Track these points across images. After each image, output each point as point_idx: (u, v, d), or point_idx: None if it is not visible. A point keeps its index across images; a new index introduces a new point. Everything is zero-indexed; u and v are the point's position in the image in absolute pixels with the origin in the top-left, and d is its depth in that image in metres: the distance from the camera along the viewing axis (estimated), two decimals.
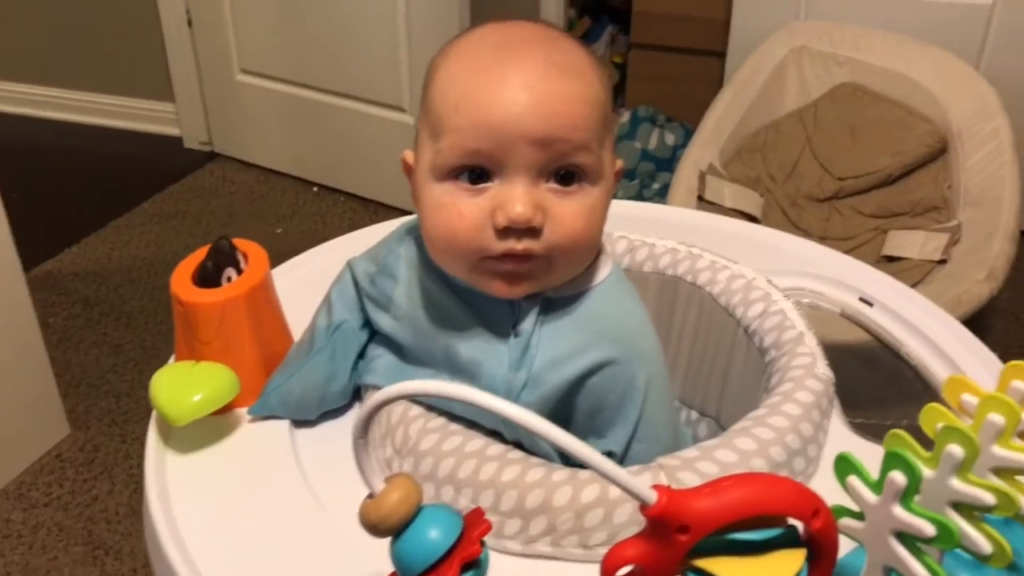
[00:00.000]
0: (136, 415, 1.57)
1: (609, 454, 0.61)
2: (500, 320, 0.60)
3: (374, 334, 0.66)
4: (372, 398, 0.41)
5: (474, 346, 0.60)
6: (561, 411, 0.60)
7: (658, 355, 0.63)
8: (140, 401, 1.60)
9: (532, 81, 0.54)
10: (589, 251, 0.59)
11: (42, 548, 1.33)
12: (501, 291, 0.58)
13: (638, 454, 0.61)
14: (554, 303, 0.60)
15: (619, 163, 0.62)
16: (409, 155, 0.62)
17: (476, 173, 0.55)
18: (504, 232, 0.55)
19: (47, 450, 1.49)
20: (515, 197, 0.54)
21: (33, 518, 1.38)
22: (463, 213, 0.56)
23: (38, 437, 1.49)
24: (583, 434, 0.62)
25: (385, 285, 0.64)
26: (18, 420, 1.44)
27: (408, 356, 0.64)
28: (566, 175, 0.56)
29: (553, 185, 0.56)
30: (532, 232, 0.55)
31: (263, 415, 0.66)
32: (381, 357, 0.65)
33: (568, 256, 0.57)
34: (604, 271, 0.62)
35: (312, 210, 2.22)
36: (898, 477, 0.43)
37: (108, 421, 1.56)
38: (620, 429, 0.61)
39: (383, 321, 0.64)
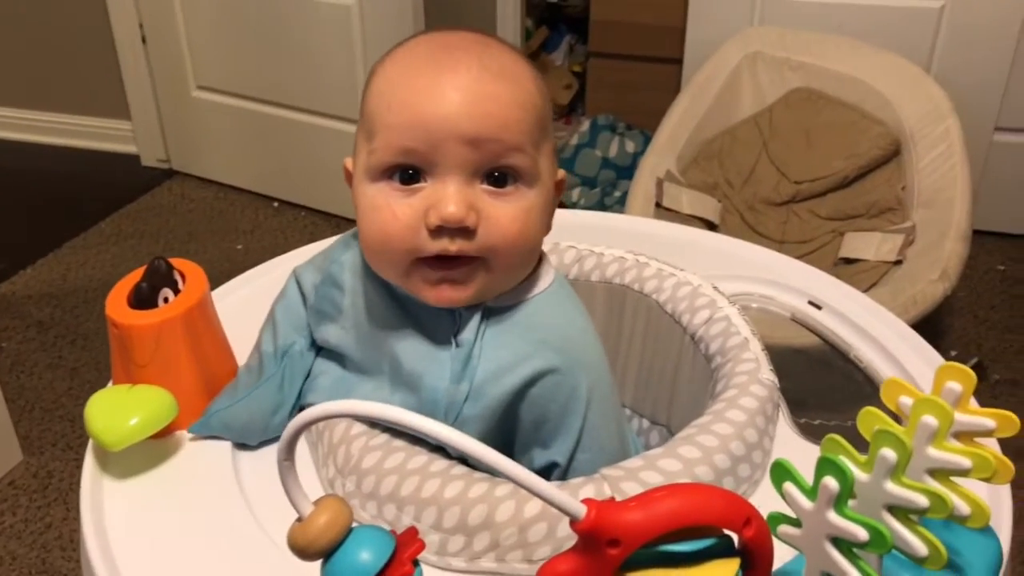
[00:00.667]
0: None
1: (553, 465, 0.61)
2: (441, 330, 0.59)
3: (319, 351, 0.65)
4: (295, 419, 0.41)
5: (416, 357, 0.60)
6: (505, 422, 0.60)
7: (601, 364, 0.62)
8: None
9: (464, 82, 0.55)
10: (527, 255, 0.59)
11: None
12: (435, 299, 0.57)
13: (583, 464, 0.61)
14: (495, 312, 0.60)
15: (561, 173, 0.62)
16: (348, 162, 0.62)
17: (409, 173, 0.55)
18: (437, 232, 0.54)
19: None
20: (447, 196, 0.54)
21: None
22: (396, 214, 0.55)
23: None
24: (528, 445, 0.61)
25: (331, 294, 0.63)
26: None
27: (353, 367, 0.63)
28: (500, 176, 0.55)
29: (487, 187, 0.55)
30: (465, 232, 0.54)
31: (201, 434, 0.65)
32: (324, 375, 0.64)
33: (505, 259, 0.56)
34: (546, 280, 0.62)
35: (273, 225, 2.20)
36: (831, 483, 0.42)
37: (63, 446, 1.53)
38: (564, 439, 0.60)
39: (329, 333, 0.63)
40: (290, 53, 2.09)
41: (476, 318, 0.59)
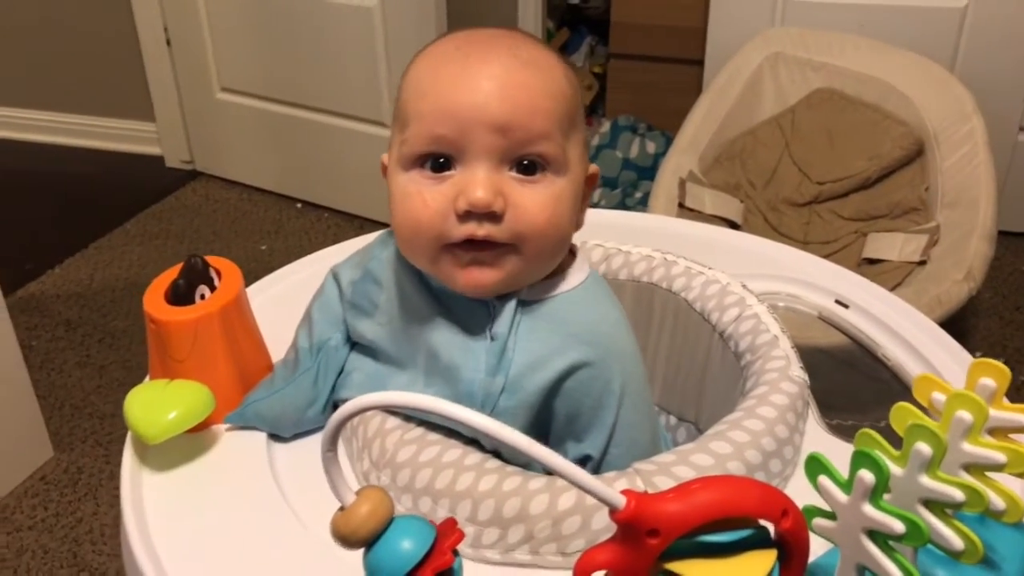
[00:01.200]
0: (120, 436, 1.55)
1: (586, 458, 0.61)
2: (476, 323, 0.60)
3: (354, 347, 0.66)
4: (338, 412, 0.42)
5: (452, 350, 0.60)
6: (540, 415, 0.60)
7: (635, 359, 0.63)
8: (124, 422, 1.59)
9: (494, 71, 0.56)
10: (556, 243, 0.59)
11: (27, 572, 1.32)
12: (464, 281, 0.57)
13: (616, 459, 0.61)
14: (529, 305, 0.60)
15: (593, 167, 0.62)
16: (385, 157, 0.63)
17: (439, 161, 0.56)
18: (465, 216, 0.55)
19: (31, 472, 1.48)
20: (476, 182, 0.55)
21: (18, 541, 1.36)
22: (427, 201, 0.56)
23: (22, 460, 1.47)
24: (562, 439, 0.62)
25: (369, 290, 0.64)
26: (1, 443, 1.43)
27: (387, 362, 0.64)
28: (528, 164, 0.56)
29: (515, 174, 0.56)
30: (493, 217, 0.55)
31: (238, 425, 0.66)
32: (358, 371, 0.65)
33: (533, 245, 0.57)
34: (580, 275, 0.62)
35: (296, 226, 2.21)
36: (866, 475, 0.43)
37: (92, 442, 1.55)
38: (597, 433, 0.61)
39: (365, 328, 0.64)
40: (313, 55, 2.11)
41: (510, 311, 0.59)
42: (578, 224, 0.62)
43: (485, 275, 0.57)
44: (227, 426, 0.66)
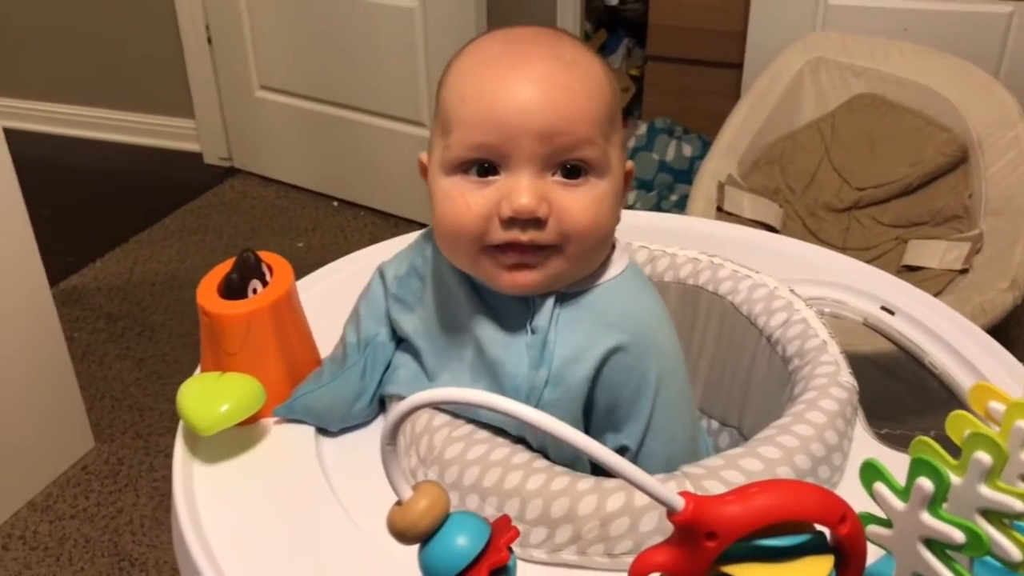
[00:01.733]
0: (159, 428, 1.58)
1: (623, 449, 0.61)
2: (517, 317, 0.61)
3: (400, 343, 0.67)
4: (400, 405, 0.42)
5: (495, 345, 0.61)
6: (584, 408, 0.60)
7: (674, 353, 0.62)
8: (163, 414, 1.61)
9: (536, 75, 0.56)
10: (599, 243, 0.59)
11: (68, 560, 1.34)
12: (508, 283, 0.58)
13: (653, 452, 0.61)
14: (568, 298, 0.60)
15: (630, 164, 0.63)
16: (424, 156, 0.63)
17: (483, 167, 0.57)
18: (509, 223, 0.56)
19: (73, 462, 1.51)
20: (520, 188, 0.55)
21: (60, 530, 1.39)
22: (470, 205, 0.57)
23: (64, 449, 1.50)
24: (601, 431, 0.62)
25: (413, 286, 0.65)
26: (45, 433, 1.46)
27: (431, 358, 0.64)
28: (572, 169, 0.56)
29: (559, 178, 0.56)
30: (537, 223, 0.56)
31: (287, 418, 0.67)
32: (404, 367, 0.66)
33: (577, 246, 0.57)
34: (619, 266, 0.62)
35: (332, 224, 2.23)
36: (926, 484, 0.43)
37: (132, 434, 1.57)
38: (634, 424, 0.60)
39: (409, 323, 0.65)
40: (352, 55, 2.12)
41: (550, 304, 0.60)
42: (617, 219, 0.62)
43: (528, 277, 0.57)
44: (276, 420, 0.67)
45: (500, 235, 0.56)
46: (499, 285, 0.58)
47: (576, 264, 0.59)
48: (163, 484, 1.46)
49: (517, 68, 0.56)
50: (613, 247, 0.63)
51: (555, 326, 0.60)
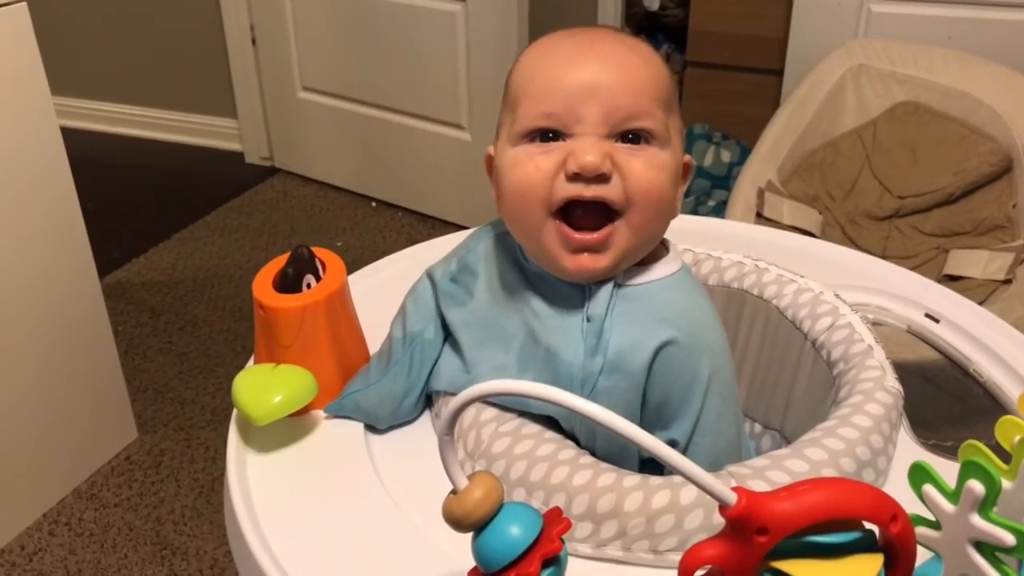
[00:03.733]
0: (200, 421, 1.61)
1: (672, 443, 0.62)
2: (573, 306, 0.62)
3: (447, 339, 0.68)
4: (459, 396, 0.43)
5: (549, 334, 0.62)
6: (635, 399, 0.61)
7: (724, 352, 0.63)
8: (204, 407, 1.64)
9: (600, 54, 0.59)
10: (660, 211, 0.60)
11: (112, 547, 1.37)
12: (574, 266, 0.59)
13: (701, 448, 0.62)
14: (623, 290, 0.62)
15: (688, 157, 0.64)
16: (491, 148, 0.65)
17: (548, 135, 0.59)
18: (574, 178, 0.57)
19: (117, 452, 1.54)
20: (585, 147, 0.57)
21: (104, 517, 1.42)
22: (539, 165, 0.59)
23: (109, 440, 1.54)
24: (651, 427, 0.62)
25: (466, 281, 0.66)
26: (91, 423, 1.49)
27: (481, 349, 0.65)
28: (633, 136, 0.59)
29: (622, 144, 0.59)
30: (601, 179, 0.57)
31: (336, 414, 0.68)
32: (449, 362, 0.67)
33: (640, 212, 0.58)
34: (673, 266, 0.64)
35: (371, 224, 2.26)
36: (976, 486, 0.43)
37: (174, 426, 1.61)
38: (683, 420, 0.61)
39: (457, 317, 0.66)
40: (395, 57, 2.15)
41: (606, 294, 0.61)
42: (675, 210, 0.63)
43: (595, 261, 0.59)
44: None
45: (565, 190, 0.58)
46: (563, 268, 0.60)
47: (639, 237, 0.59)
48: (203, 476, 1.49)
49: (582, 49, 0.60)
50: (667, 248, 0.64)
51: (611, 316, 0.61)
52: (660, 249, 0.64)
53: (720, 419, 0.62)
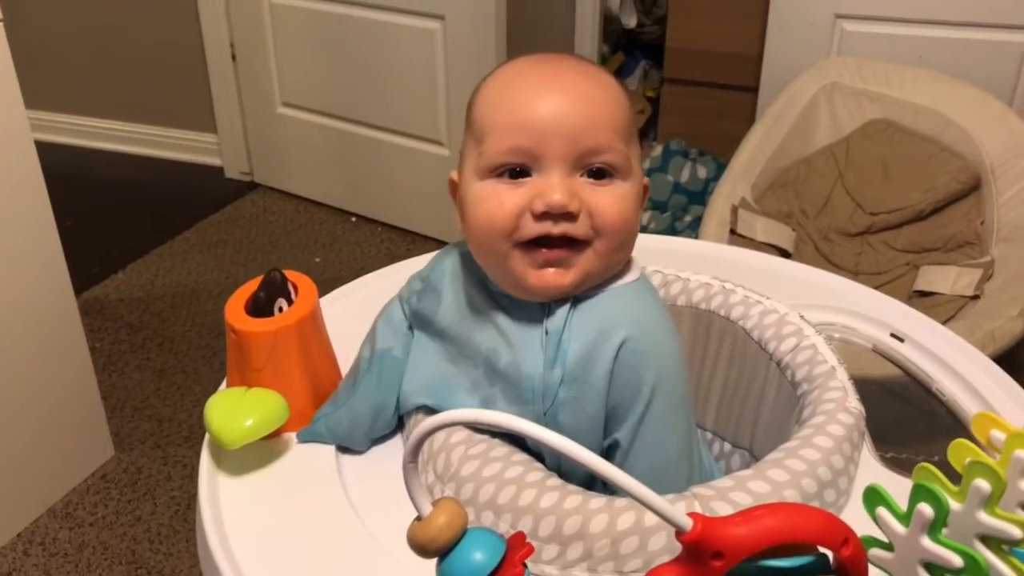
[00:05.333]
0: (178, 438, 1.61)
1: (615, 444, 0.62)
2: (533, 321, 0.63)
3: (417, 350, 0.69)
4: (420, 426, 0.44)
5: (511, 349, 0.63)
6: (596, 407, 0.62)
7: (675, 360, 0.63)
8: (182, 424, 1.64)
9: (564, 85, 0.60)
10: (626, 242, 0.62)
11: (88, 566, 1.36)
12: (538, 282, 0.60)
13: (641, 453, 0.62)
14: (581, 300, 0.63)
15: (645, 180, 0.65)
16: (454, 173, 0.66)
17: (515, 171, 0.60)
18: (541, 217, 0.59)
19: (93, 471, 1.53)
20: (552, 186, 0.58)
21: (79, 536, 1.41)
22: (503, 202, 0.60)
23: (85, 458, 1.53)
24: (605, 432, 0.63)
25: (432, 300, 0.67)
26: (67, 440, 1.49)
27: (451, 365, 0.66)
28: (598, 171, 0.60)
29: (587, 179, 0.60)
30: (569, 217, 0.58)
31: (309, 441, 0.69)
32: (420, 371, 0.67)
33: (607, 241, 0.60)
34: (632, 275, 0.65)
35: (350, 240, 2.26)
36: (926, 509, 0.44)
37: (151, 444, 1.60)
38: (627, 423, 0.62)
39: (428, 333, 0.67)
40: (374, 74, 2.16)
41: (565, 307, 0.62)
42: (636, 229, 0.64)
43: (560, 277, 0.60)
44: (296, 434, 0.69)
45: (532, 228, 0.59)
46: (527, 284, 0.60)
47: (605, 262, 0.61)
48: (180, 494, 1.48)
49: (546, 79, 0.61)
50: (629, 260, 0.66)
51: (568, 327, 0.62)
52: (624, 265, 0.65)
53: (665, 428, 0.62)
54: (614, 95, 0.62)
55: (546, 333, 0.62)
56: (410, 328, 0.69)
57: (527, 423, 0.42)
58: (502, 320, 0.64)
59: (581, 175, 0.60)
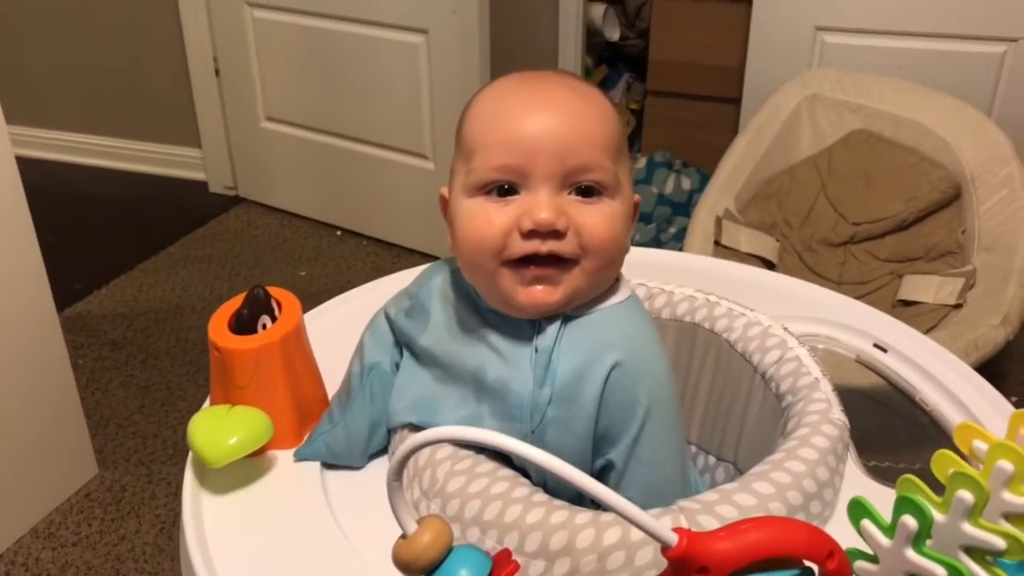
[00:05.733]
0: (163, 456, 1.59)
1: (609, 465, 0.62)
2: (522, 339, 0.63)
3: (404, 365, 0.69)
4: (404, 444, 0.44)
5: (500, 366, 0.63)
6: (584, 426, 0.61)
7: (666, 380, 0.63)
8: (166, 441, 1.63)
9: (554, 103, 0.60)
10: (615, 257, 0.62)
11: None
12: (526, 299, 0.60)
13: (638, 477, 0.62)
14: (571, 319, 0.63)
15: (637, 197, 0.65)
16: (444, 190, 0.66)
17: (503, 188, 0.60)
18: (529, 235, 0.58)
19: (76, 489, 1.52)
20: (540, 203, 0.58)
21: (62, 557, 1.40)
22: (492, 220, 0.59)
23: (68, 477, 1.51)
24: (597, 451, 0.63)
25: (421, 317, 0.67)
26: (49, 460, 1.47)
27: (439, 381, 0.66)
28: (587, 188, 0.60)
29: (575, 197, 0.60)
30: (557, 235, 0.58)
31: (308, 459, 0.68)
32: (409, 388, 0.67)
33: (595, 259, 0.60)
34: (622, 294, 0.65)
35: (335, 253, 2.26)
36: (910, 521, 0.44)
37: (135, 461, 1.59)
38: (622, 443, 0.62)
39: (416, 352, 0.67)
40: (358, 88, 2.16)
41: (555, 326, 0.62)
42: (628, 245, 0.64)
43: (547, 295, 0.60)
44: (282, 452, 0.69)
45: (520, 247, 0.59)
46: (517, 302, 0.60)
47: (593, 280, 0.61)
48: (165, 512, 1.47)
49: (535, 96, 0.61)
50: (618, 279, 0.66)
51: (559, 346, 0.62)
52: (613, 283, 0.65)
53: (659, 448, 0.62)
54: (603, 112, 0.61)
55: (536, 351, 0.62)
56: (396, 343, 0.69)
57: (512, 440, 0.42)
58: (492, 337, 0.63)
59: (569, 193, 0.59)
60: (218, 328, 0.69)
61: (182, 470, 1.64)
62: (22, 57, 2.58)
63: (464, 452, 0.63)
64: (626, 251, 0.63)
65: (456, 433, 0.44)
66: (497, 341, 0.63)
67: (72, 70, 2.60)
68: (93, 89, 2.61)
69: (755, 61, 2.08)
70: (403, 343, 0.68)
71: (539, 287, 0.60)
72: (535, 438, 0.62)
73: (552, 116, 0.59)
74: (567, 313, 0.62)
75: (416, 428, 0.66)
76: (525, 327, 0.63)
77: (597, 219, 0.59)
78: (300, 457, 0.68)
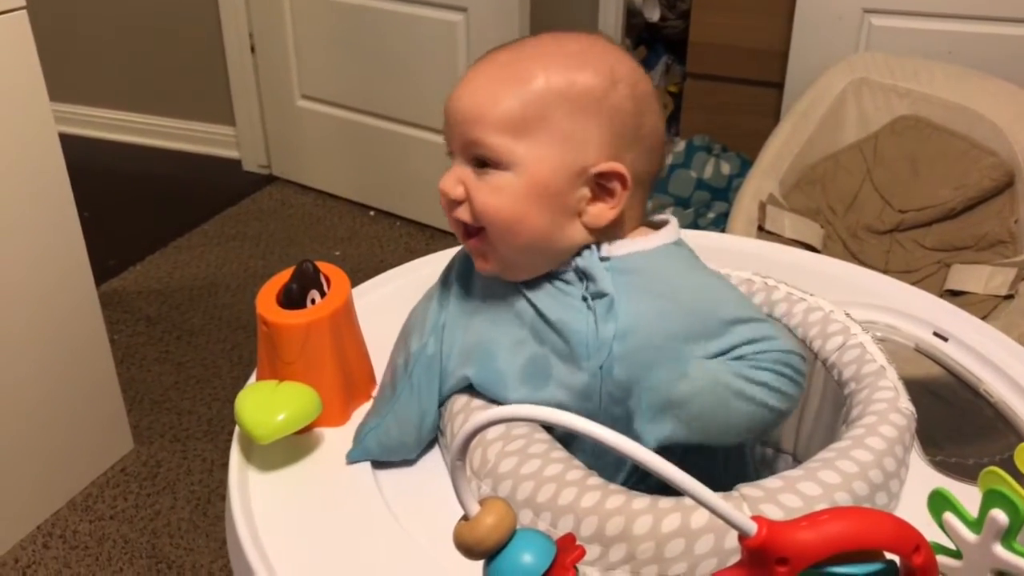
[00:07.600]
0: (197, 432, 1.60)
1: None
2: (575, 283, 0.63)
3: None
4: (469, 423, 0.42)
5: (558, 307, 0.62)
6: (644, 372, 0.60)
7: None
8: (201, 418, 1.63)
9: (472, 77, 0.63)
10: (510, 229, 0.61)
11: (108, 560, 1.36)
12: (478, 267, 0.64)
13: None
14: (617, 264, 0.62)
15: (611, 165, 0.62)
16: None
17: (449, 155, 0.64)
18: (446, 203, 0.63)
19: (112, 464, 1.53)
20: (445, 175, 0.63)
21: (99, 530, 1.41)
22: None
23: (104, 451, 1.52)
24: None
25: (461, 287, 0.67)
26: (87, 434, 1.48)
27: (497, 328, 0.65)
28: (477, 160, 0.62)
29: (473, 169, 0.62)
30: (453, 205, 0.63)
31: (359, 460, 0.66)
32: (463, 349, 0.65)
33: (492, 232, 0.62)
34: (668, 236, 0.64)
35: (369, 233, 2.25)
36: (1000, 516, 0.42)
37: (170, 437, 1.59)
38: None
39: (464, 310, 0.66)
40: (394, 66, 2.14)
41: (599, 266, 0.62)
42: (523, 220, 0.61)
43: (482, 264, 0.64)
44: (329, 429, 0.68)
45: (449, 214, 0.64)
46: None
47: (505, 248, 0.62)
48: (200, 488, 1.47)
49: (471, 70, 0.63)
50: (658, 225, 0.65)
51: (614, 287, 0.61)
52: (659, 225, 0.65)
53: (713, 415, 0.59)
54: (520, 86, 0.60)
55: (588, 291, 0.62)
56: (438, 323, 0.67)
57: (588, 422, 0.40)
58: (536, 286, 0.64)
59: (470, 162, 0.62)
60: (266, 302, 0.68)
61: (217, 447, 1.65)
62: (65, 36, 2.59)
63: (516, 432, 0.62)
64: (531, 225, 0.61)
65: (518, 412, 0.42)
66: (548, 287, 0.63)
67: (111, 48, 2.61)
68: (130, 67, 2.62)
69: (800, 44, 2.03)
70: (448, 313, 0.66)
71: (479, 258, 0.64)
72: (604, 373, 0.61)
73: (463, 91, 0.62)
74: (603, 255, 0.63)
75: (469, 397, 0.64)
76: (571, 273, 0.63)
77: (487, 190, 0.61)
78: (352, 460, 0.65)
